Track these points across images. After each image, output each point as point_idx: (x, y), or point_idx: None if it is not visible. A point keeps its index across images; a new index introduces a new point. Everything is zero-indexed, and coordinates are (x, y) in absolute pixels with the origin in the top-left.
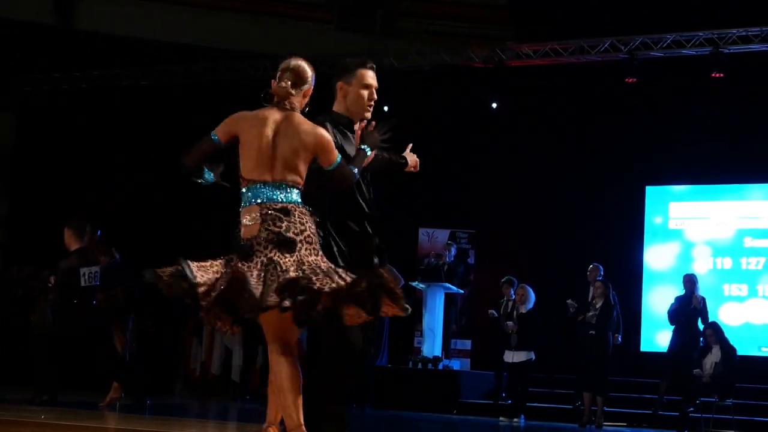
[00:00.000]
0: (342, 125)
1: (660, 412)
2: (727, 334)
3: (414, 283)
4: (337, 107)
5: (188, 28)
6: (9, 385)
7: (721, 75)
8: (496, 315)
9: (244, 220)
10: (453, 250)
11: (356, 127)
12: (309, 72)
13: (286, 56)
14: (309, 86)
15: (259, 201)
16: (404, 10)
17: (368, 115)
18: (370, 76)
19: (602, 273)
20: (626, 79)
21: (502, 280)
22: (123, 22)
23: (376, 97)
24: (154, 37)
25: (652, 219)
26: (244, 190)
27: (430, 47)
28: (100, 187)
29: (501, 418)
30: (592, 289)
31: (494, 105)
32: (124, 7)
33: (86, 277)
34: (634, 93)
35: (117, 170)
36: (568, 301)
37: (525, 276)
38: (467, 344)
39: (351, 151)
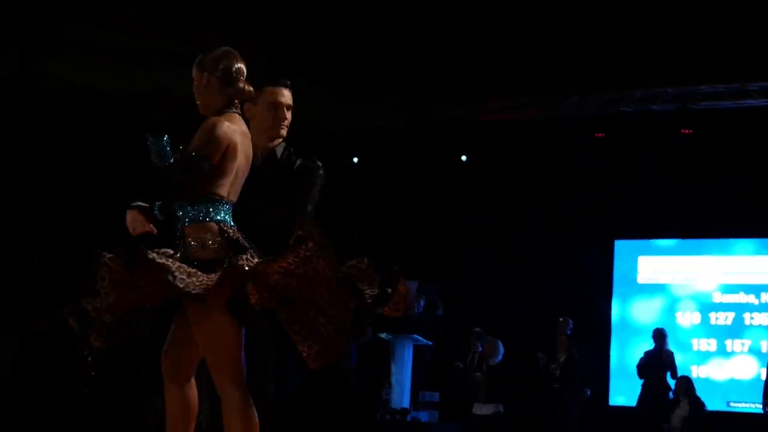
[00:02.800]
0: None
1: None
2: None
3: (382, 335)
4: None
5: None
6: None
7: (690, 131)
8: (461, 366)
9: None
10: (422, 302)
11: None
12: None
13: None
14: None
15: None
16: None
17: (283, 134)
18: (283, 94)
19: (571, 326)
20: (596, 134)
21: (471, 332)
22: None
23: (289, 117)
24: None
25: (620, 273)
26: None
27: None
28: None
29: None
30: (558, 342)
31: (463, 158)
32: None
33: None
34: (604, 147)
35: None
36: (539, 355)
37: (494, 328)
38: (435, 396)
39: None
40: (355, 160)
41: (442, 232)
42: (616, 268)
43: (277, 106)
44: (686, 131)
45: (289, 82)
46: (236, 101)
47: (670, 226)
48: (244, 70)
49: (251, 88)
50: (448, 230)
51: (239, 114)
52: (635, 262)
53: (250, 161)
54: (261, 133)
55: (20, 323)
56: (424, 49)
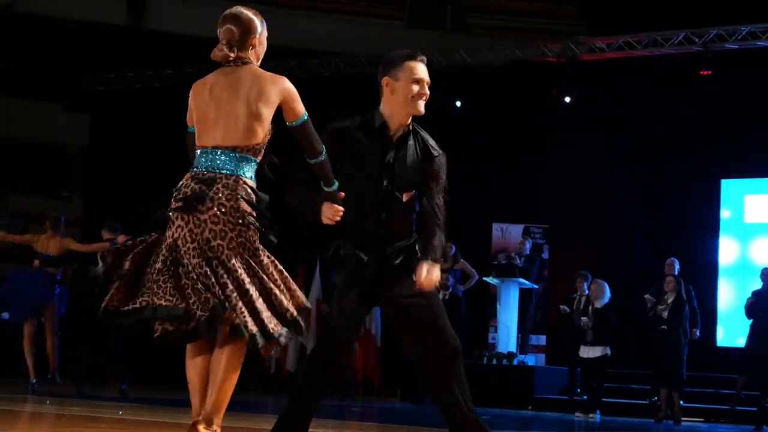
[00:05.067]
0: (365, 129)
1: (738, 408)
2: None
3: (488, 279)
4: (383, 106)
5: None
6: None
7: None
8: (567, 311)
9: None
10: (528, 245)
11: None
12: (247, 20)
13: (356, 55)
14: (255, 35)
15: (194, 170)
16: (474, 5)
17: (421, 110)
18: (421, 69)
19: (678, 268)
20: (700, 72)
21: (576, 274)
22: (194, 21)
23: (428, 92)
24: None
25: (726, 212)
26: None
27: (501, 43)
28: (172, 185)
29: (576, 414)
30: (664, 283)
31: (567, 99)
32: (194, 6)
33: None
34: (709, 85)
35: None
36: (646, 296)
37: (599, 271)
38: (542, 339)
39: (351, 158)
40: (458, 103)
41: (546, 174)
42: (723, 208)
43: (418, 81)
44: None
45: (425, 58)
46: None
47: None
48: (220, 35)
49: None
50: (553, 173)
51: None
52: (742, 201)
53: (216, 95)
54: (400, 107)
55: None
56: None
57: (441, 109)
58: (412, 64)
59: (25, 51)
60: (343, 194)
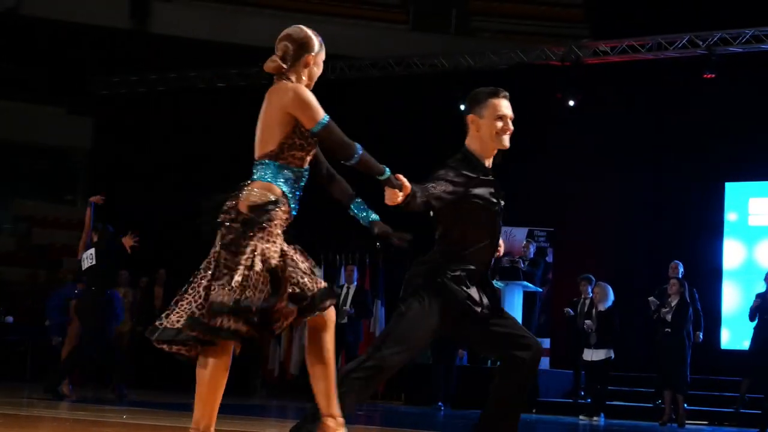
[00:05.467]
0: (469, 165)
1: (742, 410)
2: None
3: (492, 282)
4: (470, 142)
5: (262, 30)
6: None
7: None
8: (572, 314)
9: None
10: (532, 248)
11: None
12: (305, 38)
13: (362, 58)
14: (311, 53)
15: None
16: (479, 9)
17: (506, 144)
18: (504, 106)
19: (682, 271)
20: (704, 75)
21: (580, 278)
22: (197, 25)
23: (512, 127)
24: (228, 40)
25: (731, 215)
26: None
27: (505, 46)
28: (176, 189)
29: (580, 417)
30: (668, 286)
31: (571, 102)
32: (198, 10)
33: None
34: (713, 88)
35: (193, 171)
36: (650, 299)
37: (603, 274)
38: (546, 342)
39: (478, 192)
40: (462, 107)
41: (550, 177)
42: (727, 211)
43: (502, 118)
44: None
45: (507, 94)
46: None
47: None
48: (276, 48)
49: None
50: (557, 176)
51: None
52: (746, 204)
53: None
54: (487, 142)
55: None
56: None
57: (445, 112)
58: (496, 101)
59: (29, 54)
60: (400, 175)
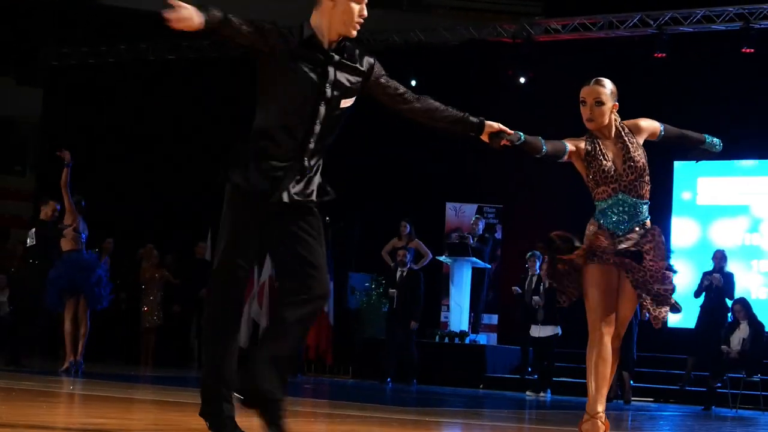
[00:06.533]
0: (307, 46)
1: (687, 388)
2: (755, 310)
3: (441, 258)
4: (314, 19)
5: (214, 1)
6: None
7: (752, 50)
8: (519, 291)
9: None
10: (481, 225)
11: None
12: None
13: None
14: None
15: None
16: None
17: (354, 33)
18: None
19: None
20: (655, 54)
21: (528, 254)
22: None
23: (366, 14)
24: None
25: (685, 194)
26: None
27: (458, 23)
28: (127, 160)
29: (527, 393)
30: None
31: (522, 79)
32: None
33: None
34: (663, 68)
35: (144, 143)
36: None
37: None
38: (494, 319)
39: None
40: (413, 82)
41: (500, 154)
42: (680, 190)
43: (360, 1)
44: (747, 50)
45: None
46: None
47: (730, 147)
48: None
49: None
50: (507, 153)
51: None
52: (695, 183)
53: None
54: (339, 24)
55: None
56: None
57: None
58: None
59: None
60: None
